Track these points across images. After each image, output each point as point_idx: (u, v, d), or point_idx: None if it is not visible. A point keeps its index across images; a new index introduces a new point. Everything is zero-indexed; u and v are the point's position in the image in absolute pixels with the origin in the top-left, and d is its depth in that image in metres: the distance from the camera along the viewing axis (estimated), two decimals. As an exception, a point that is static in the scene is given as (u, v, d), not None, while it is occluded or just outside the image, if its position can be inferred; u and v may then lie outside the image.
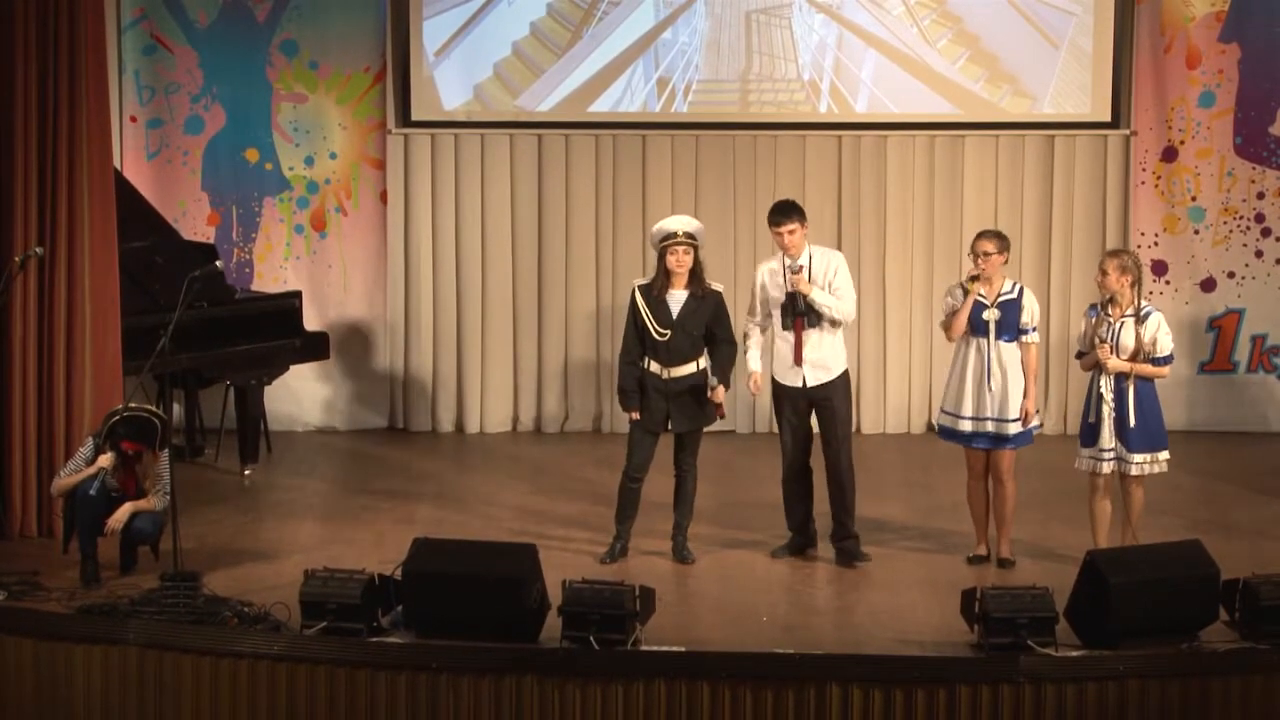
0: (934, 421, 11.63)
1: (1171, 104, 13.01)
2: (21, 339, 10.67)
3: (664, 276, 10.37)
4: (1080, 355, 10.30)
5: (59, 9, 10.63)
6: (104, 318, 10.89)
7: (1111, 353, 10.00)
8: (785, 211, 10.45)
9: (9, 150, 10.62)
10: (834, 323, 10.42)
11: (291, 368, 12.57)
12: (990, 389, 10.25)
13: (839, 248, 12.36)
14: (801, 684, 8.63)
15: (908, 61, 13.06)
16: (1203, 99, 12.99)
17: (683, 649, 8.93)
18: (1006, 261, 10.35)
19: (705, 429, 10.56)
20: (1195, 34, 12.94)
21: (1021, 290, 10.32)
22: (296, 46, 13.20)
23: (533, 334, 13.40)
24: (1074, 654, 8.79)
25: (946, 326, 10.39)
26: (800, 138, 13.17)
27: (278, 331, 12.32)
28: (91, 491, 9.98)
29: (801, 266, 10.38)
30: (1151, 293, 12.68)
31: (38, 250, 10.57)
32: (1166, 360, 10.09)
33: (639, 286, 10.50)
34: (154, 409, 10.40)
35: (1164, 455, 10.11)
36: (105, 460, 10.04)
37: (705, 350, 10.42)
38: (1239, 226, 13.11)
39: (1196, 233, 13.13)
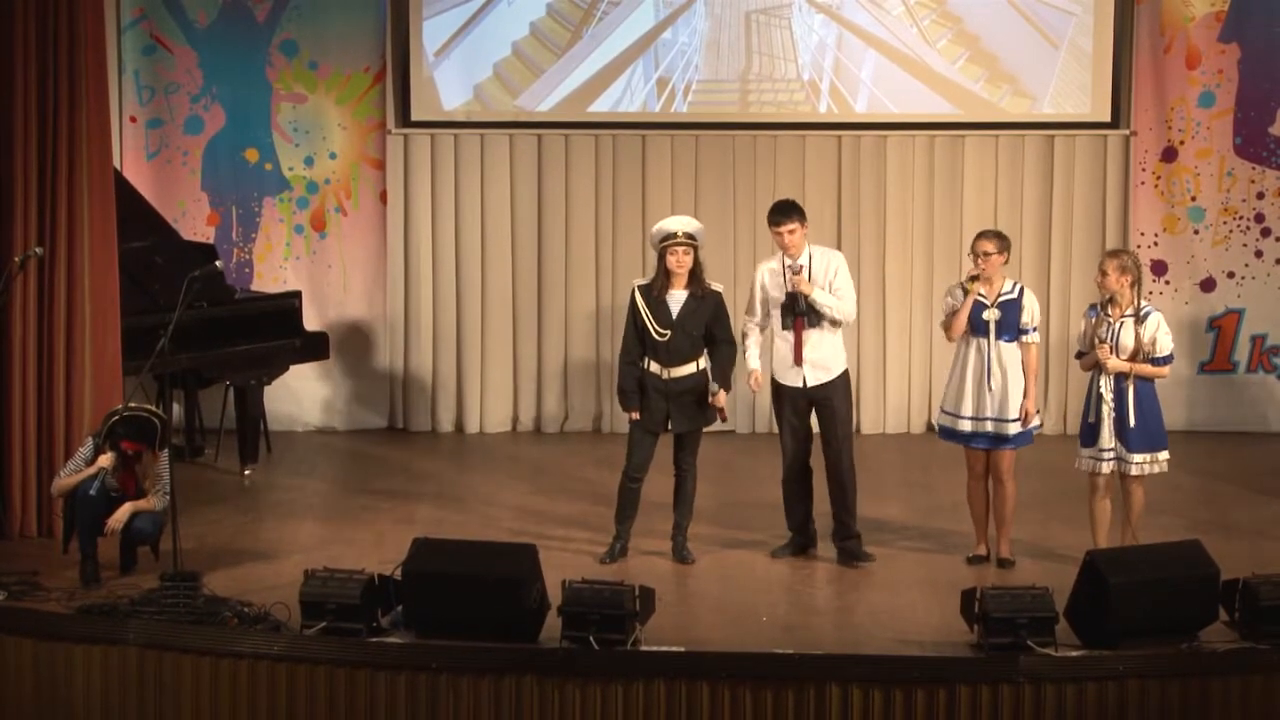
0: (934, 421, 11.64)
1: (1171, 104, 13.01)
2: (21, 339, 10.67)
3: (664, 277, 10.37)
4: (1080, 355, 10.30)
5: (59, 9, 10.63)
6: (104, 318, 10.89)
7: (1111, 353, 10.00)
8: (785, 211, 10.45)
9: (9, 150, 10.62)
10: (834, 323, 10.42)
11: (291, 368, 12.57)
12: (990, 389, 10.25)
13: (839, 248, 12.36)
14: (801, 684, 8.63)
15: (907, 61, 13.06)
16: (1202, 99, 13.00)
17: (682, 649, 8.93)
18: (1007, 261, 10.35)
19: (705, 429, 10.55)
20: (1195, 34, 12.94)
21: (1022, 290, 10.32)
22: (296, 46, 13.20)
23: (532, 334, 13.40)
24: (1074, 654, 8.79)
25: (946, 326, 10.39)
26: (800, 138, 13.17)
27: (277, 331, 12.32)
28: (91, 491, 9.98)
29: (802, 266, 10.38)
30: (1151, 293, 12.68)
31: (37, 250, 10.57)
32: (1166, 360, 10.09)
33: (639, 287, 10.50)
34: (154, 409, 10.40)
35: (1164, 455, 10.12)
36: (105, 460, 10.04)
37: (705, 350, 10.42)
38: (1239, 226, 13.11)
39: (1196, 233, 13.13)
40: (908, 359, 13.31)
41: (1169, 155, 13.06)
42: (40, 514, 10.77)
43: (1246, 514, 11.29)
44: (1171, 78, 12.98)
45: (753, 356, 10.52)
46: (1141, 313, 10.05)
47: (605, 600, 8.83)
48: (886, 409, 13.33)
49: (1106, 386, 10.04)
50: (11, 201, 10.63)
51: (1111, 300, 10.07)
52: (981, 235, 10.35)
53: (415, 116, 13.23)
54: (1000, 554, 10.38)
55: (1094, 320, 10.14)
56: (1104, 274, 10.07)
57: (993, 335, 10.25)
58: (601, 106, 13.23)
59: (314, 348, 12.65)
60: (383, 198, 13.33)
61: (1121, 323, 10.05)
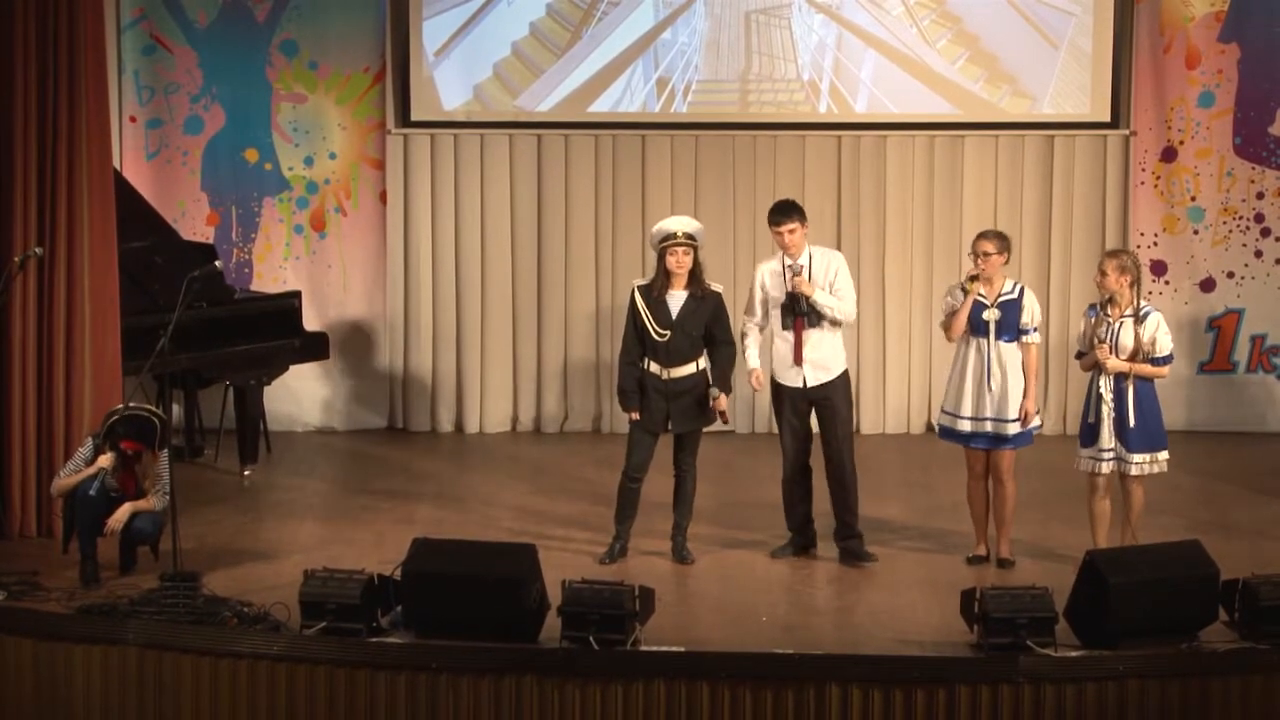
0: (934, 421, 11.64)
1: (1171, 104, 13.01)
2: (21, 339, 10.67)
3: (664, 277, 10.37)
4: (1080, 355, 10.30)
5: (58, 9, 10.63)
6: (103, 318, 10.89)
7: (1110, 353, 10.00)
8: (786, 211, 10.45)
9: (9, 150, 10.62)
10: (834, 323, 10.42)
11: (291, 368, 12.57)
12: (990, 389, 10.25)
13: (838, 248, 12.36)
14: (801, 684, 8.63)
15: (907, 62, 13.06)
16: (1202, 99, 13.00)
17: (682, 649, 8.93)
18: (1007, 262, 10.35)
19: (705, 429, 10.55)
20: (1195, 34, 12.94)
21: (1022, 290, 10.32)
22: (296, 46, 13.20)
23: (532, 334, 13.40)
24: (1073, 654, 8.79)
25: (946, 327, 10.39)
26: (800, 138, 13.17)
27: (277, 332, 12.32)
28: (91, 492, 9.98)
29: (802, 267, 10.38)
30: (1151, 293, 12.68)
31: (37, 250, 10.57)
32: (1166, 360, 10.09)
33: (638, 287, 10.50)
34: (153, 408, 10.40)
35: (1163, 455, 10.12)
36: (105, 460, 10.04)
37: (705, 351, 10.42)
38: (1238, 226, 13.11)
39: (1196, 233, 13.13)
40: (907, 359, 13.31)
41: (1169, 155, 13.06)
42: (40, 514, 10.77)
43: (1246, 514, 11.29)
44: (1171, 78, 12.98)
45: (753, 356, 10.52)
46: (1141, 313, 10.05)
47: (605, 600, 8.83)
48: (886, 409, 13.33)
49: (1106, 386, 10.04)
50: (11, 201, 10.63)
51: (1111, 300, 10.07)
52: (982, 235, 10.35)
53: (415, 116, 13.24)
54: (1000, 554, 10.38)
55: (1093, 320, 10.15)
56: (1103, 274, 10.07)
57: (992, 335, 10.25)
58: (601, 107, 13.23)
59: (314, 348, 12.65)
60: (382, 198, 13.33)
61: (1121, 323, 10.05)
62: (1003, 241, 10.32)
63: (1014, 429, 10.26)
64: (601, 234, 13.31)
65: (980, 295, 10.24)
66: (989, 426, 10.28)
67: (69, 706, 9.09)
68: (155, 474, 10.06)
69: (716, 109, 13.22)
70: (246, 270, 13.32)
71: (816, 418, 10.52)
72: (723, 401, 10.40)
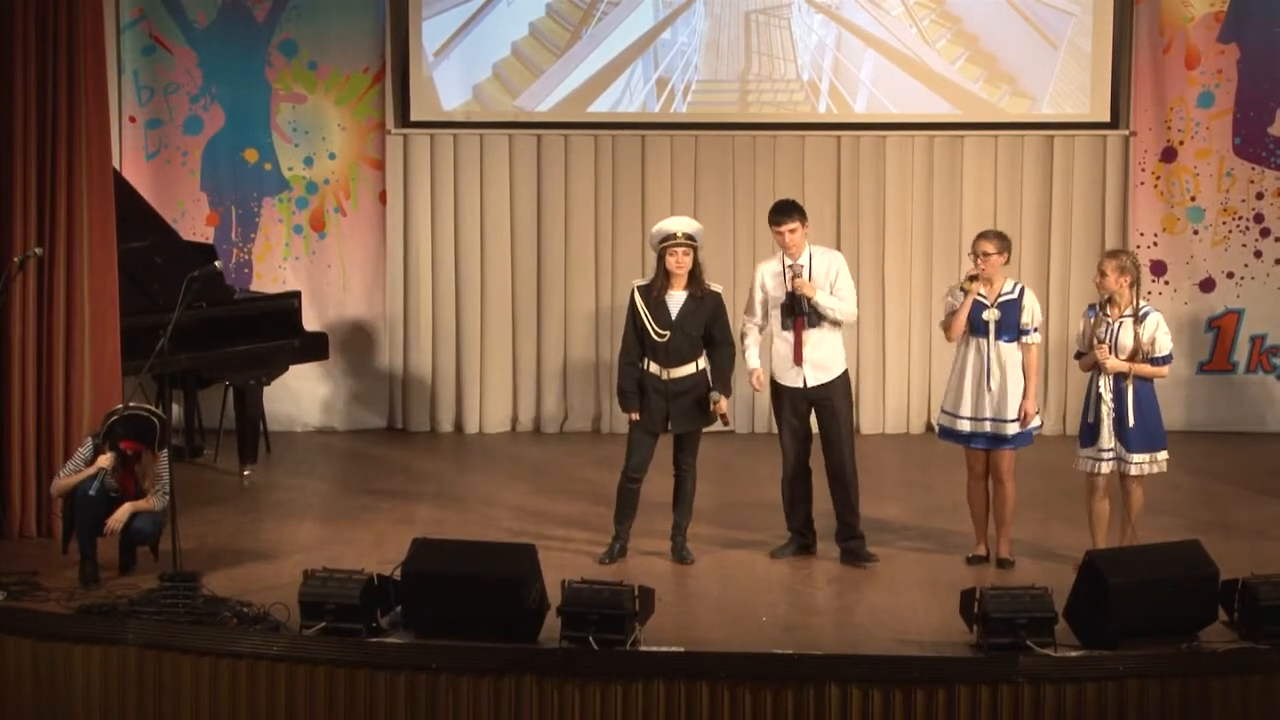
0: (934, 421, 11.64)
1: (1170, 104, 13.01)
2: (21, 339, 10.67)
3: (663, 277, 10.37)
4: (1079, 356, 10.30)
5: (58, 9, 10.62)
6: (103, 318, 10.88)
7: (1110, 353, 10.01)
8: (786, 211, 10.45)
9: (8, 150, 10.62)
10: (834, 323, 10.42)
11: (291, 368, 12.56)
12: (989, 389, 10.25)
13: (838, 248, 12.36)
14: (801, 684, 8.63)
15: (907, 62, 13.06)
16: (1202, 99, 13.00)
17: (682, 649, 8.92)
18: (1008, 262, 10.35)
19: (705, 429, 10.55)
20: (1194, 34, 12.94)
21: (1022, 291, 10.31)
22: (296, 47, 13.20)
23: (532, 334, 13.40)
24: (1073, 654, 8.78)
25: (946, 326, 10.39)
26: (799, 138, 13.17)
27: (277, 332, 12.32)
28: (91, 492, 9.98)
29: (802, 267, 10.38)
30: (1150, 293, 12.68)
31: (37, 250, 10.57)
32: (1165, 360, 10.10)
33: (638, 287, 10.50)
34: (153, 408, 10.40)
35: (1163, 455, 10.12)
36: (105, 460, 10.04)
37: (704, 351, 10.41)
38: (1238, 227, 13.11)
39: (1196, 233, 13.13)
40: (907, 359, 13.31)
41: (1168, 155, 13.06)
42: (40, 514, 10.77)
43: (1246, 514, 11.29)
44: (1171, 78, 12.98)
45: (753, 356, 10.52)
46: (1140, 313, 10.06)
47: (605, 600, 8.83)
48: (886, 409, 13.33)
49: (1106, 386, 10.05)
50: (11, 201, 10.63)
51: (1110, 300, 10.08)
52: (982, 235, 10.35)
53: (415, 117, 13.24)
54: (1000, 554, 10.38)
55: (1092, 321, 10.15)
56: (1103, 274, 10.07)
57: (992, 335, 10.25)
58: (601, 107, 13.22)
59: (313, 348, 12.64)
60: (382, 198, 13.33)
61: (1120, 323, 10.05)
62: (1003, 242, 10.32)
63: (1013, 429, 10.26)
64: (601, 234, 13.31)
65: (980, 295, 10.24)
66: (988, 426, 10.28)
67: (69, 706, 9.09)
68: (155, 474, 10.06)
69: (716, 109, 13.22)
70: (246, 270, 13.32)
71: (816, 418, 10.51)
72: (723, 405, 10.40)
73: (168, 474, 9.99)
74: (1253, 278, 13.14)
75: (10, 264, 10.50)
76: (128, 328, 11.08)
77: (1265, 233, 13.09)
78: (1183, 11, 12.91)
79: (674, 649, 8.92)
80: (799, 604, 9.88)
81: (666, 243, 10.33)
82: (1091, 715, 8.60)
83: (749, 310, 10.58)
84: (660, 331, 10.34)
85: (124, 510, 9.98)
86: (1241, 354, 13.21)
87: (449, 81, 13.23)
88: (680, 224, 10.43)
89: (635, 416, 10.42)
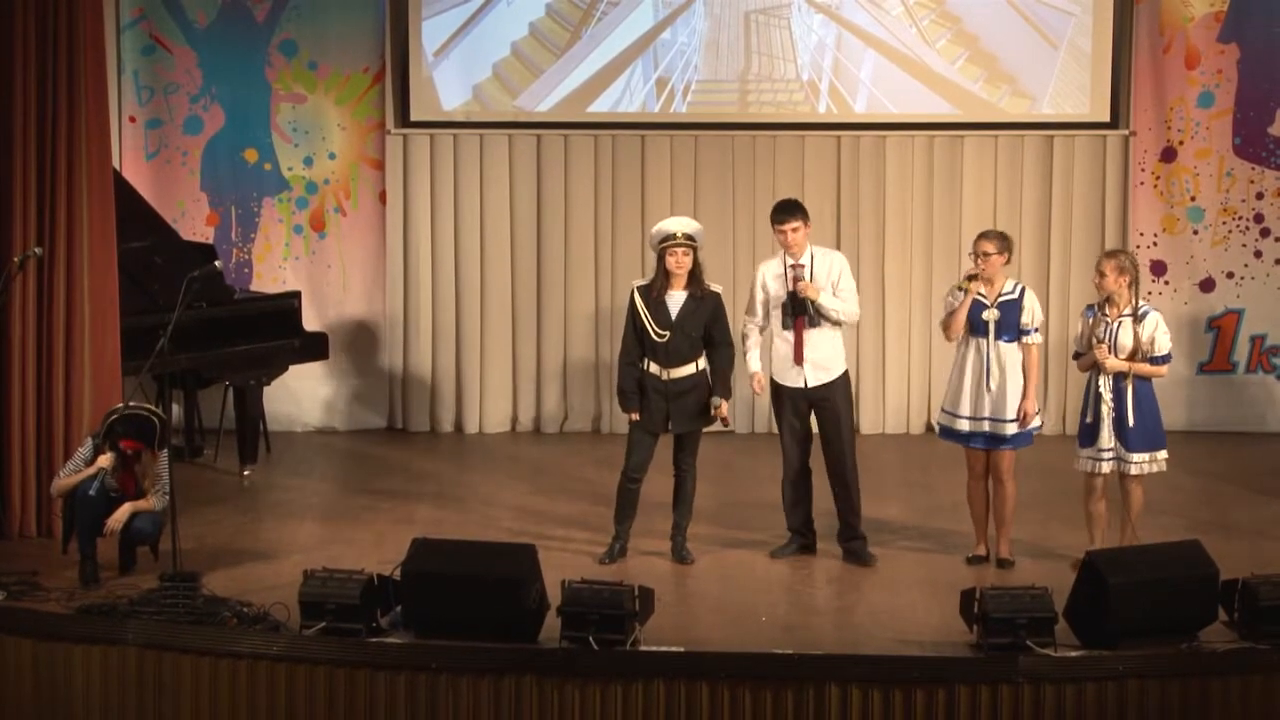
0: (934, 421, 11.65)
1: (1170, 104, 13.01)
2: (21, 339, 10.67)
3: (663, 277, 10.37)
4: (1077, 356, 10.30)
5: (58, 9, 10.62)
6: (103, 318, 10.88)
7: (1109, 352, 10.01)
8: (789, 210, 10.44)
9: (8, 150, 10.62)
10: (836, 323, 10.42)
11: (291, 368, 12.56)
12: (989, 389, 10.25)
13: (838, 248, 12.36)
14: (801, 684, 8.63)
15: (907, 62, 13.06)
16: (1202, 99, 13.00)
17: (682, 649, 8.92)
18: (1008, 262, 10.35)
19: (705, 429, 10.55)
20: (1194, 34, 12.94)
21: (1023, 291, 10.31)
22: (295, 47, 13.21)
23: (532, 334, 13.40)
24: (1073, 654, 8.78)
25: (945, 326, 10.39)
26: (799, 138, 13.17)
27: (277, 332, 12.32)
28: (91, 492, 9.98)
29: (804, 267, 10.37)
30: (1150, 293, 12.69)
31: (37, 250, 10.57)
32: (1164, 359, 10.10)
33: (638, 288, 10.50)
34: (153, 408, 10.40)
35: (1163, 455, 10.12)
36: (105, 460, 10.04)
37: (704, 351, 10.41)
38: (1238, 227, 13.11)
39: (1195, 233, 13.14)
40: (907, 359, 13.31)
41: (1168, 155, 13.07)
42: (40, 514, 10.77)
43: (1246, 514, 11.29)
44: (1171, 78, 12.98)
45: (753, 358, 10.51)
46: (1140, 312, 10.06)
47: (605, 600, 8.83)
48: (886, 409, 13.34)
49: (1105, 386, 10.05)
50: (11, 201, 10.63)
51: (1109, 300, 10.08)
52: (982, 235, 10.35)
53: (414, 117, 13.24)
54: (1000, 554, 10.38)
55: (1091, 321, 10.15)
56: (1102, 275, 10.08)
57: (992, 335, 10.24)
58: (601, 107, 13.23)
59: (313, 348, 12.64)
60: (382, 198, 13.33)
61: (1120, 322, 10.05)
62: (1003, 242, 10.31)
63: (1012, 429, 10.26)
64: (601, 234, 13.31)
65: (980, 295, 10.24)
66: (987, 426, 10.28)
67: (69, 706, 9.09)
68: (155, 474, 10.06)
69: (716, 109, 13.22)
70: (246, 270, 13.32)
71: (816, 419, 10.51)
72: (724, 409, 10.40)
73: (168, 474, 9.99)
74: (1253, 278, 13.14)
75: (10, 264, 10.50)
76: (128, 328, 11.08)
77: (1265, 233, 13.09)
78: (1183, 11, 12.91)
79: (674, 649, 8.92)
80: (799, 604, 9.88)
81: (666, 243, 10.32)
82: (1091, 715, 8.60)
83: (750, 310, 10.58)
84: (660, 332, 10.34)
85: (124, 510, 9.98)
86: (1241, 354, 13.21)
87: (449, 81, 13.23)
88: (680, 224, 10.42)
89: (635, 416, 10.42)
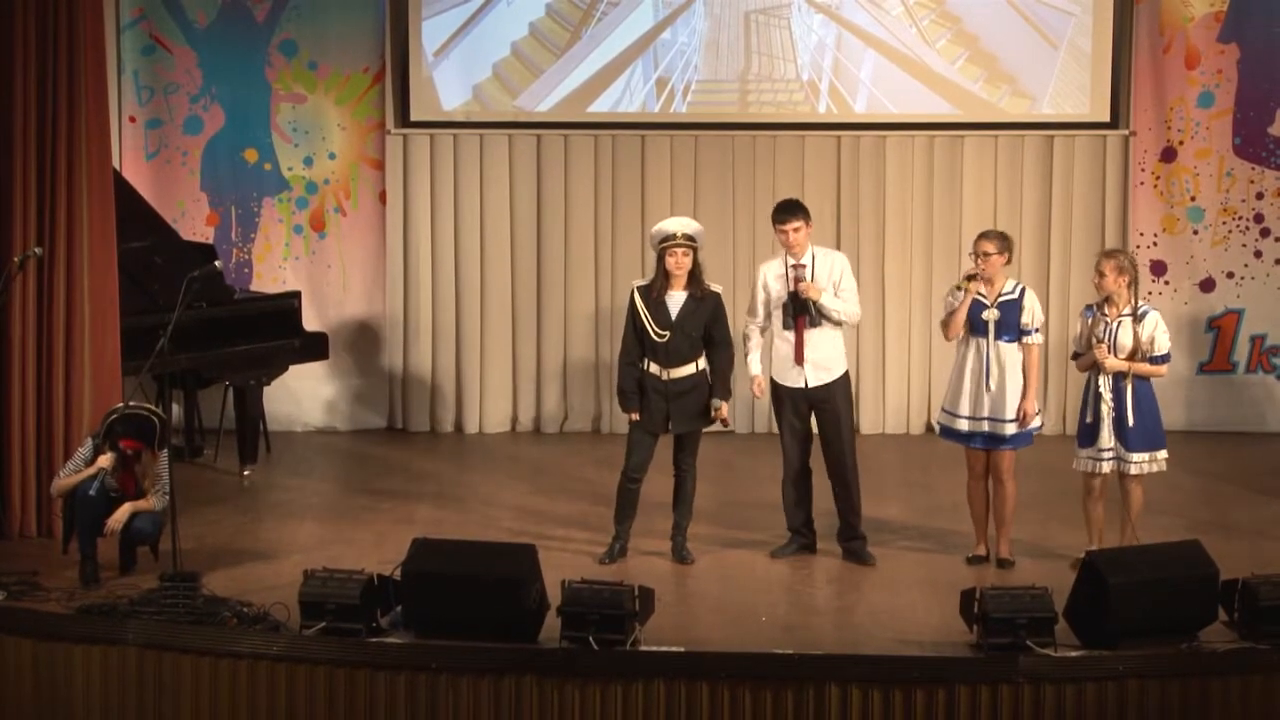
0: (934, 421, 11.65)
1: (1170, 104, 13.01)
2: (21, 339, 10.67)
3: (663, 278, 10.37)
4: (1075, 356, 10.31)
5: (58, 9, 10.62)
6: (103, 318, 10.88)
7: (1109, 352, 10.01)
8: (791, 210, 10.44)
9: (8, 150, 10.62)
10: (838, 323, 10.42)
11: (291, 368, 12.56)
12: (988, 389, 10.25)
13: (838, 248, 12.36)
14: (801, 684, 8.63)
15: (907, 62, 13.06)
16: (1202, 99, 13.00)
17: (682, 649, 8.92)
18: (1009, 262, 10.34)
19: (705, 429, 10.55)
20: (1194, 34, 12.94)
21: (1023, 291, 10.30)
22: (295, 47, 13.21)
23: (532, 334, 13.40)
24: (1073, 654, 8.78)
25: (944, 325, 10.39)
26: (799, 138, 13.17)
27: (277, 332, 12.32)
28: (91, 492, 9.98)
29: (804, 267, 10.37)
30: (1151, 293, 12.69)
31: (37, 250, 10.57)
32: (1164, 359, 10.10)
33: (638, 288, 10.50)
34: (153, 407, 10.40)
35: (1162, 454, 10.13)
36: (105, 460, 10.03)
37: (704, 351, 10.42)
38: (1238, 227, 13.11)
39: (1195, 233, 13.14)
40: (907, 359, 13.32)
41: (1168, 155, 13.07)
42: (40, 514, 10.77)
43: (1246, 514, 11.29)
44: (1171, 78, 12.98)
45: (754, 361, 10.51)
46: (1139, 312, 10.06)
47: (605, 600, 8.83)
48: (886, 409, 13.34)
49: (1105, 386, 10.05)
50: (11, 201, 10.63)
51: (1108, 300, 10.08)
52: (983, 235, 10.35)
53: (414, 117, 13.24)
54: (1000, 554, 10.37)
55: (1090, 320, 10.15)
56: (1101, 275, 10.08)
57: (992, 335, 10.24)
58: (601, 107, 13.23)
59: (313, 348, 12.64)
60: (382, 198, 13.34)
61: (1119, 322, 10.06)
62: (1004, 242, 10.31)
63: (1011, 429, 10.25)
64: (601, 234, 13.31)
65: (980, 295, 10.24)
66: (986, 426, 10.28)
67: (69, 706, 9.09)
68: (155, 474, 10.06)
69: (716, 109, 13.22)
70: (246, 270, 13.32)
71: (816, 419, 10.51)
72: (724, 410, 10.41)
73: (168, 474, 9.99)
74: (1253, 278, 13.14)
75: (10, 264, 10.50)
76: (128, 328, 11.08)
77: (1265, 233, 13.10)
78: (1183, 11, 12.91)
79: (674, 649, 8.92)
80: (799, 604, 9.88)
81: (666, 243, 10.32)
82: (1091, 715, 8.60)
83: (751, 311, 10.58)
84: (660, 332, 10.34)
85: (124, 510, 9.98)
86: (1241, 354, 13.21)
87: (449, 81, 13.23)
88: (680, 224, 10.42)
89: (635, 417, 10.42)
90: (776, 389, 10.51)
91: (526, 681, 8.73)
